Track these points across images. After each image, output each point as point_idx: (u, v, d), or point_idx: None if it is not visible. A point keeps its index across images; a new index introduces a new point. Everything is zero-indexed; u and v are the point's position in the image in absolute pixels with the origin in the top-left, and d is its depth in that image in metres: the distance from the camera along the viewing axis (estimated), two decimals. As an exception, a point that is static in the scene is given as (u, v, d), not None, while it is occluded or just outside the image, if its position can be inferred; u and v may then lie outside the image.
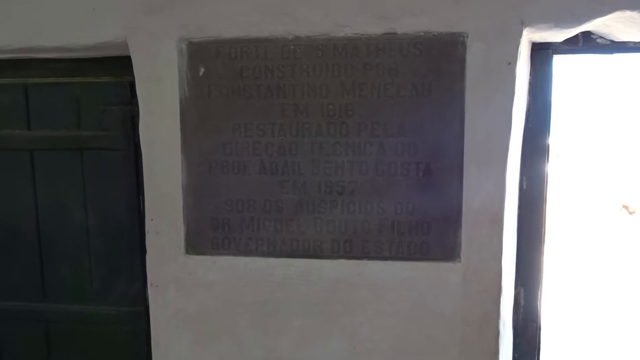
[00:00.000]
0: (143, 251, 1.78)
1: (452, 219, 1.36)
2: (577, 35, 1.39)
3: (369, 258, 1.38)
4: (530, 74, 1.44)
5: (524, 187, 1.48)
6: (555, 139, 1.56)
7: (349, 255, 1.38)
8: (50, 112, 1.80)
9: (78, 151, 1.79)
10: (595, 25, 1.30)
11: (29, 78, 1.78)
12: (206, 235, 1.41)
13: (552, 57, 1.44)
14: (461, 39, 1.28)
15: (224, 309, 1.43)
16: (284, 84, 1.34)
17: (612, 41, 1.41)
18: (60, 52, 1.54)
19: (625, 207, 7.90)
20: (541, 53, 1.43)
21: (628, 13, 1.23)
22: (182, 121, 1.38)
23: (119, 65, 1.70)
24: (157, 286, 1.45)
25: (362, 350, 1.42)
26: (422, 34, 1.29)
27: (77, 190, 1.82)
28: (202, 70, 1.36)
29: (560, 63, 1.49)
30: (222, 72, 1.36)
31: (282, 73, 1.34)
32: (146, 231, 1.44)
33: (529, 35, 1.32)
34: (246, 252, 1.40)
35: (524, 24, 1.26)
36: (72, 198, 1.83)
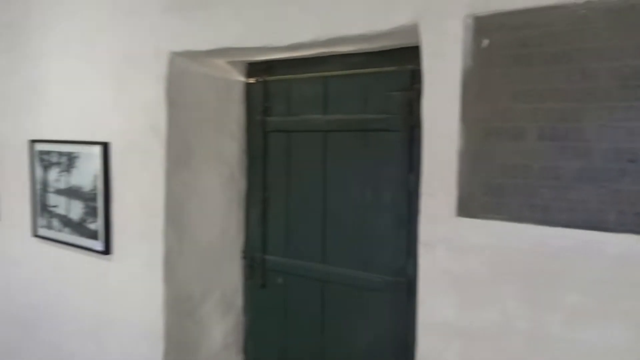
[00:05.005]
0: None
1: None
2: None
3: (664, 234, 1.23)
4: None
5: None
6: None
7: (638, 229, 1.25)
8: (343, 99, 2.11)
9: (363, 132, 2.05)
10: None
11: (328, 72, 2.14)
12: (478, 199, 1.46)
13: None
14: None
15: (491, 275, 1.45)
16: (570, 49, 1.32)
17: None
18: (356, 42, 1.81)
19: None
20: None
21: None
22: (462, 91, 1.47)
23: (402, 56, 1.91)
24: (427, 245, 1.55)
25: (647, 342, 1.26)
26: None
27: (359, 167, 2.08)
28: (485, 42, 1.44)
29: None
30: (504, 43, 1.41)
31: (569, 38, 1.32)
32: (421, 193, 1.56)
33: None
34: (518, 218, 1.40)
35: None
36: (354, 173, 2.09)
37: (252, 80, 2.40)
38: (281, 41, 1.89)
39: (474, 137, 1.46)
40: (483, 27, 1.45)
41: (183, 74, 2.23)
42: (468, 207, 1.47)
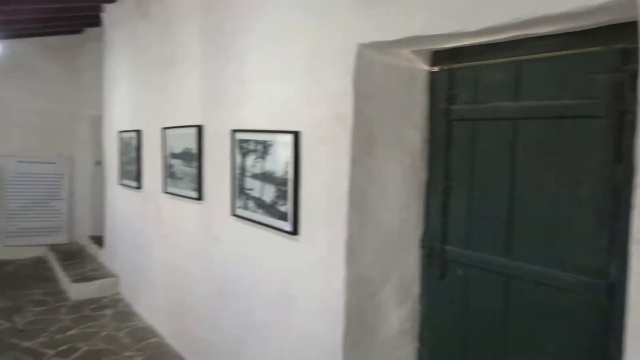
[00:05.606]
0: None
1: None
2: None
3: None
4: None
5: None
6: None
7: None
8: (537, 85, 1.98)
9: (557, 119, 1.91)
10: None
11: (520, 56, 2.02)
12: None
13: None
14: None
15: None
16: None
17: None
18: (559, 21, 1.67)
19: None
20: None
21: None
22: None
23: (607, 35, 1.74)
24: (641, 244, 1.38)
25: None
26: None
27: (553, 156, 1.93)
28: None
29: None
30: None
31: None
32: (635, 186, 1.39)
33: None
34: None
35: None
36: (547, 164, 1.95)
37: (436, 69, 2.38)
38: (471, 26, 1.84)
39: None
40: None
41: (369, 64, 2.30)
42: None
